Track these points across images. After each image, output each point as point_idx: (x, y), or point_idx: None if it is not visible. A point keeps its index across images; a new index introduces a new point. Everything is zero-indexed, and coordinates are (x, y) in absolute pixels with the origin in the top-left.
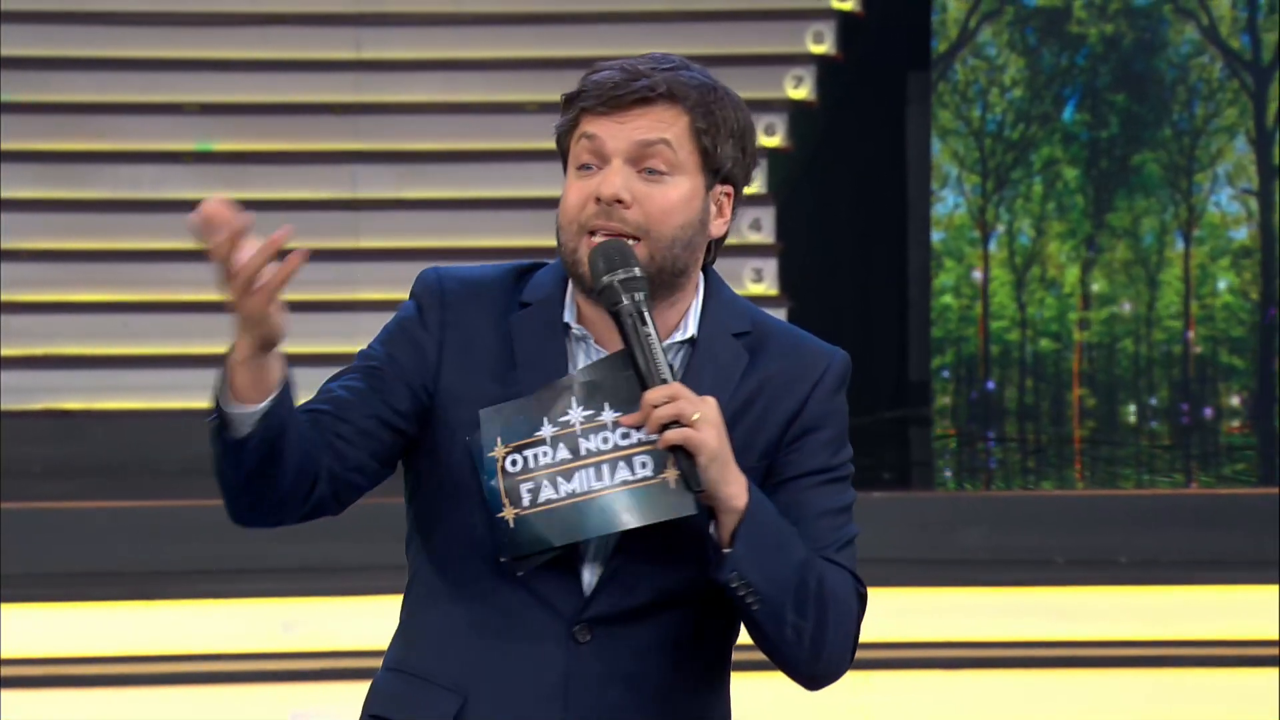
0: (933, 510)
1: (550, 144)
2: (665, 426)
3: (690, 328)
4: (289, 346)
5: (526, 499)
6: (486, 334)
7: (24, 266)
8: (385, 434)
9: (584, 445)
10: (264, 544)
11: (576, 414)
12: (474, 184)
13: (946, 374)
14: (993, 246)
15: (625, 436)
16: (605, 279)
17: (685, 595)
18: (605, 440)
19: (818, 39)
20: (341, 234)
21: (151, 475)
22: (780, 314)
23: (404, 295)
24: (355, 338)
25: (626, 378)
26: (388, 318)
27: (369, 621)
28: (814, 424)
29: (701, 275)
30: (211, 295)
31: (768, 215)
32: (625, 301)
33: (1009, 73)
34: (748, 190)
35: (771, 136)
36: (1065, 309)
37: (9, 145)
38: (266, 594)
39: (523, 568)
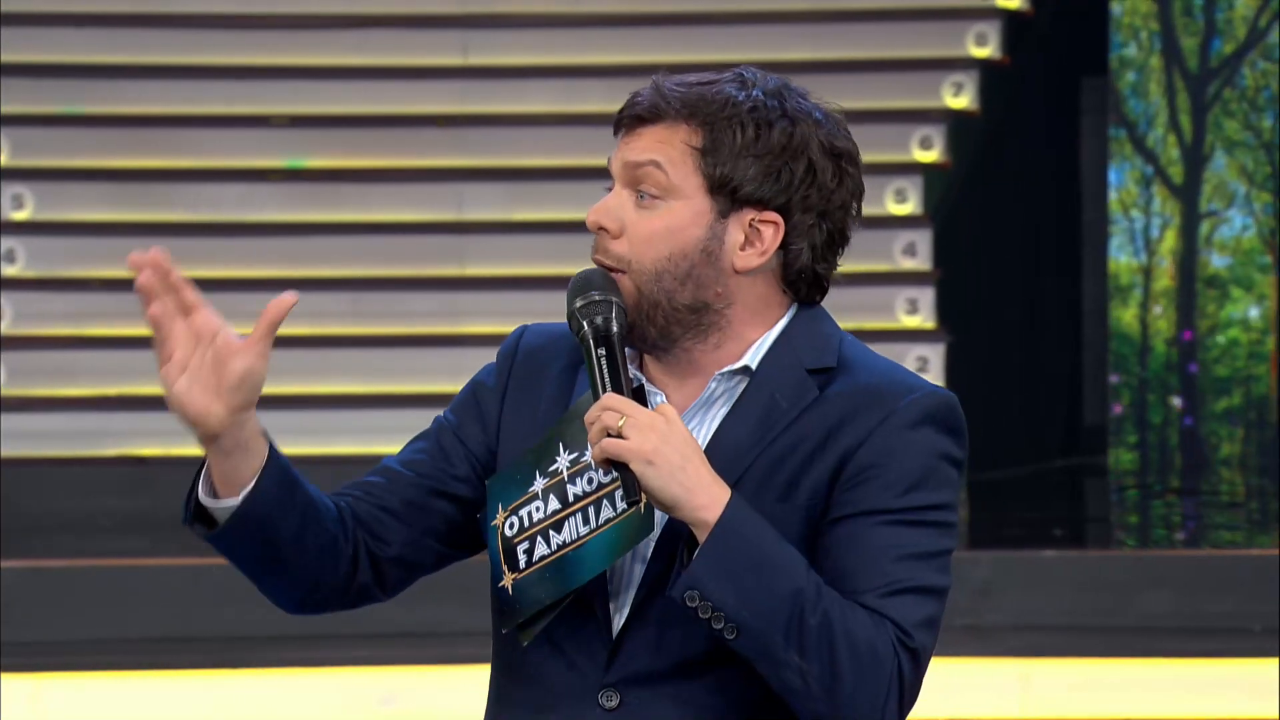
0: (1110, 571)
1: None
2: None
3: (747, 359)
4: (392, 385)
5: (522, 560)
6: (559, 388)
7: (95, 297)
8: (443, 505)
9: (571, 491)
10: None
11: (564, 460)
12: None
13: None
14: None
15: (607, 473)
16: (568, 308)
17: (729, 654)
18: (590, 481)
19: (980, 41)
20: (447, 260)
21: None
22: (938, 350)
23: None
24: (462, 375)
25: None
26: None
27: (477, 694)
28: (875, 460)
29: (794, 309)
30: (301, 330)
31: (924, 238)
32: (582, 328)
33: None
34: (901, 210)
35: (928, 150)
36: None
37: (78, 162)
38: (363, 662)
39: (527, 637)
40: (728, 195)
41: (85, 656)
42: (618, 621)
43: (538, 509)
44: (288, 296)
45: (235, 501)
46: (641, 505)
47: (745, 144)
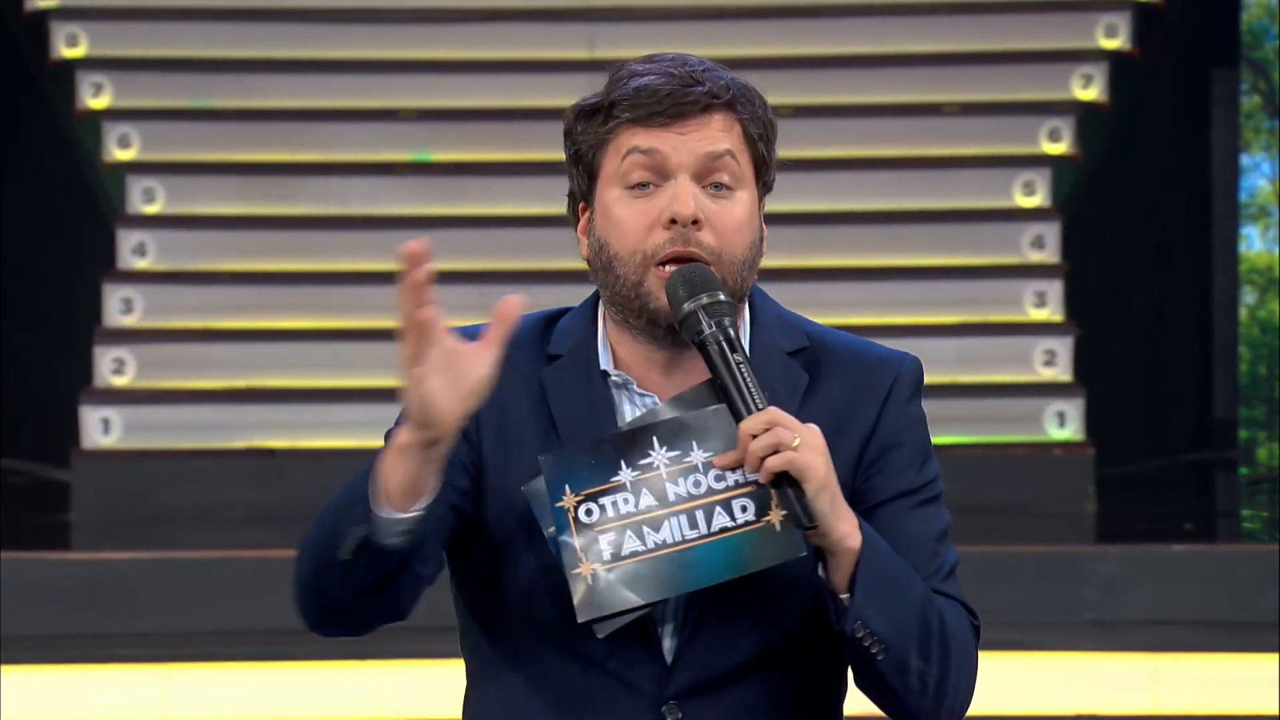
0: (1240, 566)
1: (801, 152)
2: (765, 460)
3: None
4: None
5: (607, 552)
6: (520, 396)
7: (223, 290)
8: (451, 518)
9: (672, 490)
10: None
11: (660, 455)
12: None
13: None
14: None
15: (720, 479)
16: (687, 305)
17: (779, 653)
18: (697, 484)
19: (1110, 32)
20: (573, 253)
21: None
22: (1066, 343)
23: None
24: None
25: (715, 413)
26: None
27: None
28: (892, 440)
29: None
30: None
31: (1052, 231)
32: (710, 329)
33: None
34: (1029, 203)
35: (1056, 143)
36: None
37: (206, 156)
38: None
39: (605, 629)
40: (764, 182)
41: (215, 648)
42: (669, 636)
43: (626, 500)
44: (515, 298)
45: (419, 509)
46: (779, 524)
47: (774, 130)
